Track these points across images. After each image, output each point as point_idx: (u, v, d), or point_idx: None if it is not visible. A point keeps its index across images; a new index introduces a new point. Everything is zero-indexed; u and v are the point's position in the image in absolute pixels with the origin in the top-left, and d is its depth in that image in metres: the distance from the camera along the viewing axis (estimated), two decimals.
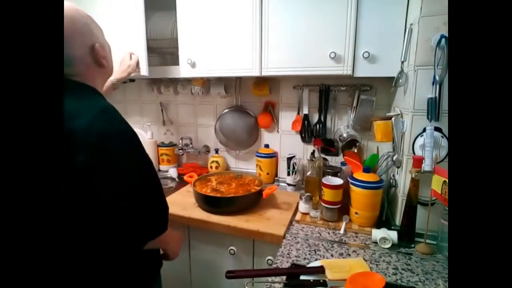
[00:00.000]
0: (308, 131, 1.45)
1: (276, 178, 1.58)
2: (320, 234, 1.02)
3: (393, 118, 1.00)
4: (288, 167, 1.44)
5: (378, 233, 0.95)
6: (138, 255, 0.76)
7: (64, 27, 0.62)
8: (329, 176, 1.14)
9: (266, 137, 1.62)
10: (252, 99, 1.61)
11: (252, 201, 1.21)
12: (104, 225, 0.63)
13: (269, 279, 0.78)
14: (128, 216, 0.64)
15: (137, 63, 1.28)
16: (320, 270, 0.76)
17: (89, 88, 0.69)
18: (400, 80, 1.02)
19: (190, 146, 1.78)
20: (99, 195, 0.61)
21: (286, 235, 1.01)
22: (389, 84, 1.08)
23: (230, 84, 1.60)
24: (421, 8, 0.88)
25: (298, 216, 1.13)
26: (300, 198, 1.17)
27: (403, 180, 0.99)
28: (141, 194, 0.65)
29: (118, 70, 1.21)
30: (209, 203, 1.18)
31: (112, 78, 1.13)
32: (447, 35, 0.83)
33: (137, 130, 1.96)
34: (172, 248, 0.86)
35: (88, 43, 0.68)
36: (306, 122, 1.45)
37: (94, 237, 0.65)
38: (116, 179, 0.62)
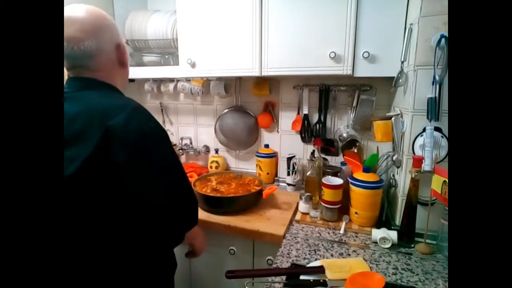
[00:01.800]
0: (308, 131, 1.45)
1: (276, 178, 1.58)
2: (320, 234, 1.02)
3: (393, 118, 1.00)
4: (288, 167, 1.44)
5: (378, 233, 0.95)
6: (155, 257, 0.77)
7: (96, 22, 0.67)
8: (329, 176, 1.14)
9: (266, 137, 1.62)
10: (252, 99, 1.61)
11: (252, 201, 1.21)
12: (144, 221, 0.65)
13: (269, 279, 0.78)
14: (167, 212, 0.67)
15: None
16: (320, 270, 0.76)
17: (117, 89, 0.73)
18: (400, 80, 1.01)
19: (190, 146, 1.78)
20: (138, 192, 0.63)
21: (286, 235, 1.01)
22: (389, 84, 1.08)
23: (230, 84, 1.60)
24: (421, 8, 0.88)
25: (298, 216, 1.13)
26: (300, 198, 1.17)
27: (403, 180, 0.99)
28: (176, 190, 0.69)
29: None
30: (209, 203, 1.18)
31: None
32: (447, 35, 0.83)
33: None
34: (199, 243, 0.89)
35: (115, 40, 0.72)
36: (306, 122, 1.45)
37: (135, 232, 0.67)
38: (154, 177, 0.64)
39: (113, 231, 0.65)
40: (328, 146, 1.40)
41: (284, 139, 1.53)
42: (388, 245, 0.92)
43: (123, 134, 0.59)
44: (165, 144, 0.69)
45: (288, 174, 1.45)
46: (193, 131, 1.80)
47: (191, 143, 1.79)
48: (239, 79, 1.58)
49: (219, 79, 1.57)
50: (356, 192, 1.03)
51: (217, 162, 1.65)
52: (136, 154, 0.61)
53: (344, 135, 1.39)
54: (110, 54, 0.71)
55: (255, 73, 1.23)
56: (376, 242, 0.94)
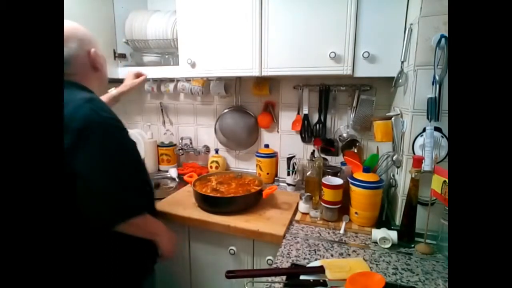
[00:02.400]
0: (308, 131, 1.45)
1: (276, 178, 1.58)
2: (320, 234, 1.02)
3: (393, 118, 1.00)
4: (288, 167, 1.44)
5: (378, 233, 0.95)
6: (127, 250, 0.82)
7: (67, 33, 0.75)
8: (329, 176, 1.14)
9: (266, 137, 1.62)
10: (252, 99, 1.61)
11: (252, 201, 1.21)
12: (82, 202, 0.70)
13: (269, 279, 0.78)
14: (104, 196, 0.71)
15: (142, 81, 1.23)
16: (320, 270, 0.76)
17: (80, 85, 0.79)
18: (400, 80, 1.01)
19: (190, 146, 1.78)
20: (80, 175, 0.67)
21: (286, 235, 1.01)
22: (389, 84, 1.08)
23: (230, 84, 1.60)
24: (421, 8, 0.88)
25: (298, 216, 1.13)
26: (300, 198, 1.17)
27: (403, 180, 0.99)
28: (118, 177, 0.72)
29: (122, 85, 1.21)
30: (209, 203, 1.18)
31: (114, 92, 1.18)
32: (447, 35, 0.83)
33: (137, 130, 1.95)
34: (164, 242, 0.90)
35: (86, 48, 0.81)
36: (306, 122, 1.45)
37: (73, 216, 0.70)
38: (96, 161, 0.69)
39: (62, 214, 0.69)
40: (328, 146, 1.40)
41: (284, 139, 1.53)
42: (388, 245, 0.92)
43: (68, 121, 0.65)
44: (116, 132, 0.74)
45: (288, 174, 1.45)
46: (193, 131, 1.80)
47: (191, 143, 1.79)
48: (239, 79, 1.58)
49: (219, 79, 1.57)
50: (356, 192, 1.03)
51: (217, 162, 1.65)
52: (79, 139, 0.66)
53: (344, 135, 1.39)
54: (83, 59, 0.80)
55: (255, 73, 1.23)
56: (376, 242, 0.94)
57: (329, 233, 1.02)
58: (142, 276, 0.89)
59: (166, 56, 1.59)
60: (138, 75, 1.23)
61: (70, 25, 0.79)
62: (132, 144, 0.80)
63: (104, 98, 1.13)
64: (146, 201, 0.81)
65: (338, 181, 1.08)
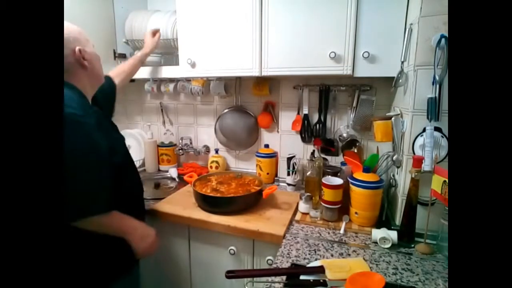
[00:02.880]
0: (308, 131, 1.45)
1: (276, 178, 1.58)
2: (320, 234, 1.02)
3: (393, 118, 1.00)
4: (288, 167, 1.44)
5: (378, 233, 0.95)
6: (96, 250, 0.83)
7: None
8: (329, 176, 1.14)
9: (266, 137, 1.62)
10: (252, 99, 1.61)
11: (252, 201, 1.21)
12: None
13: (269, 279, 0.78)
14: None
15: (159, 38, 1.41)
16: (320, 270, 0.76)
17: (72, 85, 0.81)
18: (400, 80, 1.01)
19: (190, 146, 1.78)
20: None
21: (286, 235, 1.01)
22: (389, 84, 1.08)
23: (230, 84, 1.60)
24: (421, 8, 0.88)
25: (298, 216, 1.13)
26: (300, 198, 1.17)
27: (403, 180, 0.99)
28: (74, 173, 0.71)
29: (144, 47, 1.38)
30: (209, 203, 1.18)
31: (138, 54, 1.35)
32: (447, 35, 0.83)
33: (137, 130, 1.95)
34: (136, 241, 0.89)
35: (71, 46, 0.82)
36: (306, 122, 1.45)
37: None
38: None
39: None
40: (328, 146, 1.40)
41: (284, 139, 1.53)
42: (388, 245, 0.92)
43: None
44: (79, 128, 0.74)
45: (288, 174, 1.45)
46: (193, 131, 1.80)
47: (191, 143, 1.79)
48: (239, 79, 1.58)
49: (219, 79, 1.57)
50: (356, 192, 1.03)
51: (217, 162, 1.65)
52: None
53: (344, 135, 1.39)
54: (70, 58, 0.82)
55: (255, 73, 1.23)
56: (376, 242, 0.94)
57: (329, 233, 1.02)
58: (113, 275, 0.89)
59: (166, 56, 1.59)
60: (154, 33, 1.40)
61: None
62: (96, 142, 0.78)
63: (131, 60, 1.33)
64: (109, 199, 0.80)
65: (338, 181, 1.08)
